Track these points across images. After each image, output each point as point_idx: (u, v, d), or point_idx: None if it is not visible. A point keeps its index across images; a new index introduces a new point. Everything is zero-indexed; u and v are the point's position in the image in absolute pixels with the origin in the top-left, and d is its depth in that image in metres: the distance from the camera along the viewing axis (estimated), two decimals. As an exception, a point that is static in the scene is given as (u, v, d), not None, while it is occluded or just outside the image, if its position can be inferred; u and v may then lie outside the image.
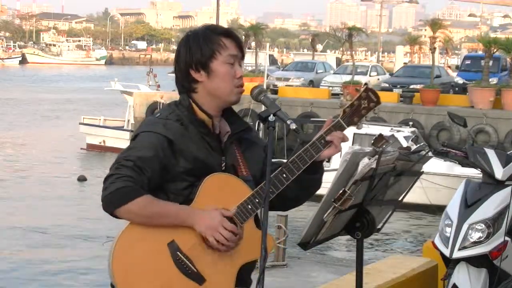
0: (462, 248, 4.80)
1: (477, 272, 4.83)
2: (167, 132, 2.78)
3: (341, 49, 39.49)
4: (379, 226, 3.54)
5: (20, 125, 36.64)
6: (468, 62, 32.23)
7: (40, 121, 38.86)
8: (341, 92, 27.54)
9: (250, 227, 2.82)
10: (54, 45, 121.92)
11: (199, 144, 2.82)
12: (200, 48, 2.87)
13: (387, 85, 29.84)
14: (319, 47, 54.80)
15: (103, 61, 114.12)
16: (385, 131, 18.42)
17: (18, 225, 16.69)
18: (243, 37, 30.12)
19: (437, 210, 17.52)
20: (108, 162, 25.01)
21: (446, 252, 4.84)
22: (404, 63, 42.01)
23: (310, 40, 41.03)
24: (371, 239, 14.11)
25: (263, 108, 2.91)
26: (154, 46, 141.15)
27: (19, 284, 12.75)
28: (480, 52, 34.93)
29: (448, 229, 4.89)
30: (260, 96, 2.86)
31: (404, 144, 16.43)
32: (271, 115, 2.76)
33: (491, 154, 4.98)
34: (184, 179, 2.79)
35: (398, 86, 28.90)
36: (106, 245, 13.28)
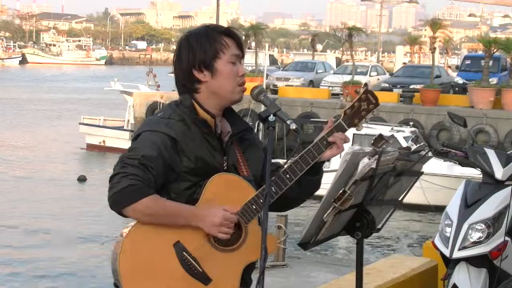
0: (462, 248, 4.80)
1: (477, 272, 4.83)
2: (170, 131, 2.77)
3: (341, 49, 39.50)
4: (379, 226, 3.54)
5: (20, 125, 36.64)
6: (468, 62, 32.18)
7: (40, 121, 38.84)
8: (341, 92, 27.55)
9: (254, 227, 2.82)
10: (54, 45, 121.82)
11: (201, 144, 2.81)
12: (203, 48, 2.86)
13: (387, 85, 29.83)
14: (319, 47, 54.74)
15: (103, 61, 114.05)
16: (385, 131, 18.42)
17: (18, 225, 16.70)
18: (243, 37, 30.12)
19: (435, 209, 17.56)
20: (108, 162, 25.14)
21: (446, 252, 4.84)
22: (404, 63, 41.95)
23: (310, 40, 40.96)
24: (371, 239, 14.11)
25: (263, 108, 2.90)
26: (154, 46, 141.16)
27: (19, 284, 12.75)
28: (480, 52, 34.90)
29: (448, 229, 4.89)
30: (260, 96, 2.85)
31: (404, 144, 16.43)
32: (271, 115, 2.76)
33: (491, 154, 4.98)
34: (187, 179, 2.78)
35: (398, 86, 28.90)
36: (105, 245, 13.31)
